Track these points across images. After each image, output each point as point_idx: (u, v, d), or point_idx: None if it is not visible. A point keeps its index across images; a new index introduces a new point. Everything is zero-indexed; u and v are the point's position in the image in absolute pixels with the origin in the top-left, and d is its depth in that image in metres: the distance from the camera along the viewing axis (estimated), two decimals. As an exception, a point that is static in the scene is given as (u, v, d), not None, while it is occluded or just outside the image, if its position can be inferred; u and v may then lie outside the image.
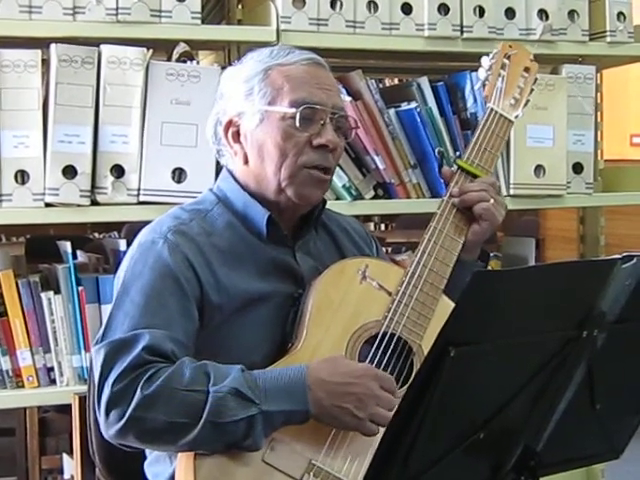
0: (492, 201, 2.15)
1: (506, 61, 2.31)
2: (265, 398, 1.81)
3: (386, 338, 2.00)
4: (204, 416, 1.78)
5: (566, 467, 1.86)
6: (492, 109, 2.26)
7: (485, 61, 2.33)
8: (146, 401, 1.79)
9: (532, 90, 2.33)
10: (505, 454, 1.69)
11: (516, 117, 2.28)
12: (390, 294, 2.04)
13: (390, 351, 1.99)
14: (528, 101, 2.32)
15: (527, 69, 2.34)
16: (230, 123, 2.06)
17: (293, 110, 1.99)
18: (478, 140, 2.22)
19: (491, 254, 3.25)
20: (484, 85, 2.31)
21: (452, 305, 2.01)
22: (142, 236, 2.02)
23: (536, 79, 2.35)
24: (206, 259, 1.97)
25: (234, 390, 1.80)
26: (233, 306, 1.97)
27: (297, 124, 1.99)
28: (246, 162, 2.06)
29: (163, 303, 1.91)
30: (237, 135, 2.06)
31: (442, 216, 2.14)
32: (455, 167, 2.21)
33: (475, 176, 2.19)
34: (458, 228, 2.15)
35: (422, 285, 2.06)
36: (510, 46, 2.34)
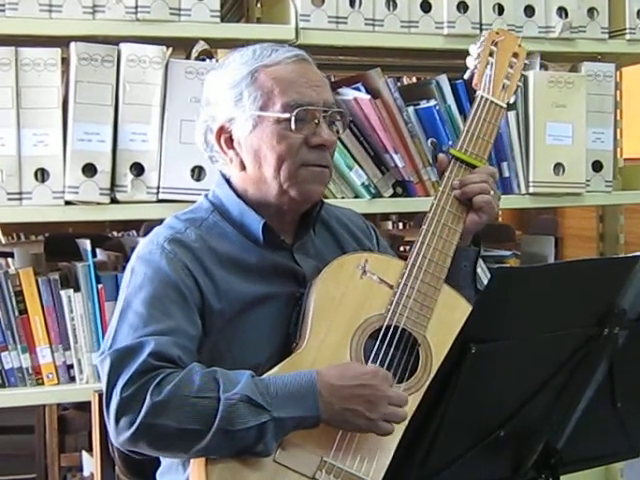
0: (491, 192, 2.15)
1: (494, 48, 2.30)
2: (276, 404, 1.81)
3: (390, 331, 2.00)
4: (215, 423, 1.78)
5: (586, 465, 1.86)
6: (482, 96, 2.25)
7: (473, 49, 2.32)
8: (156, 408, 1.78)
9: (522, 75, 2.32)
10: (526, 452, 1.69)
11: (507, 103, 2.27)
12: (391, 287, 2.04)
13: (395, 344, 1.99)
14: (518, 87, 2.31)
15: (516, 55, 2.33)
16: (222, 130, 2.05)
17: (287, 115, 1.98)
18: (470, 128, 2.21)
19: (510, 252, 3.24)
20: (473, 73, 2.30)
21: (454, 294, 2.07)
22: (140, 248, 2.02)
23: (526, 64, 2.34)
24: (204, 266, 1.98)
25: (245, 397, 1.80)
26: (234, 310, 1.98)
27: (292, 127, 1.98)
28: (243, 168, 2.05)
29: (166, 312, 1.91)
30: (230, 141, 2.05)
31: (439, 206, 2.14)
32: (449, 156, 2.21)
33: (469, 164, 2.18)
34: (456, 217, 2.14)
35: (423, 276, 2.06)
36: (497, 33, 2.33)
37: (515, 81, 2.29)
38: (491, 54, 2.30)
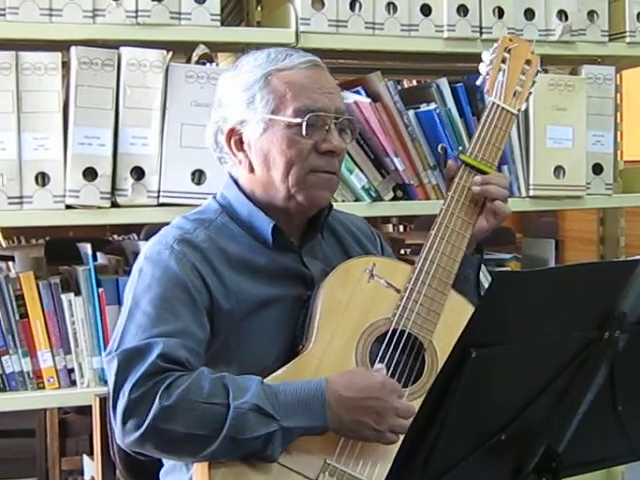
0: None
1: (507, 55, 2.30)
2: (285, 413, 1.81)
3: (396, 335, 2.00)
4: (224, 431, 1.78)
5: (587, 469, 1.85)
6: (494, 103, 2.25)
7: (486, 55, 2.32)
8: (165, 412, 1.79)
9: (534, 82, 2.32)
10: (526, 456, 1.69)
11: (519, 110, 2.27)
12: (398, 291, 2.04)
13: (400, 348, 1.99)
14: (530, 94, 2.31)
15: (528, 62, 2.32)
16: (232, 131, 2.05)
17: (298, 120, 1.98)
18: (481, 134, 2.21)
19: (510, 255, 3.24)
20: (485, 80, 2.30)
21: (461, 299, 2.07)
22: (148, 248, 2.02)
23: (538, 71, 2.34)
24: (213, 266, 1.97)
25: (255, 406, 1.80)
26: (243, 311, 1.98)
27: (303, 132, 1.98)
28: (252, 171, 2.05)
29: (174, 312, 1.91)
30: (240, 143, 2.05)
31: (448, 212, 2.14)
32: (459, 162, 2.21)
33: (480, 170, 2.18)
34: (464, 223, 2.14)
35: (430, 281, 2.06)
36: (510, 40, 2.33)
37: (527, 88, 2.29)
38: (504, 61, 2.29)
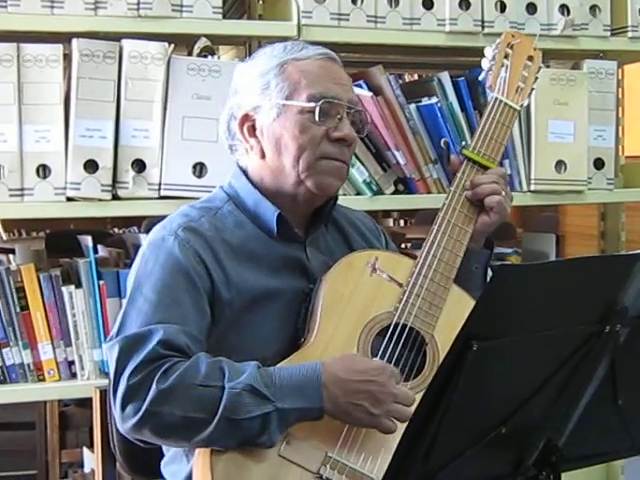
0: (503, 193, 2.16)
1: (509, 51, 2.32)
2: (280, 395, 1.81)
3: (398, 329, 2.00)
4: (219, 412, 1.78)
5: (587, 462, 1.85)
6: (497, 98, 2.26)
7: (488, 51, 2.33)
8: (162, 395, 1.79)
9: (536, 78, 2.33)
10: (527, 449, 1.69)
11: (521, 106, 2.28)
12: (401, 285, 2.04)
13: (402, 342, 2.00)
14: (532, 89, 2.32)
15: (531, 58, 2.34)
16: (246, 117, 2.07)
17: (312, 104, 2.00)
18: (484, 130, 2.22)
19: (511, 250, 3.25)
20: (488, 75, 2.31)
21: (463, 294, 2.07)
22: (152, 234, 2.03)
23: (540, 67, 2.35)
24: (216, 255, 1.98)
25: (249, 387, 1.80)
26: (243, 302, 1.98)
27: (316, 118, 2.00)
28: (263, 156, 2.06)
29: (176, 299, 1.92)
30: (252, 129, 2.07)
31: (450, 206, 2.15)
32: (462, 157, 2.21)
33: (482, 165, 2.19)
34: (467, 218, 2.15)
35: (432, 275, 2.06)
36: (513, 35, 2.35)
37: (529, 84, 2.30)
38: (506, 56, 2.31)
